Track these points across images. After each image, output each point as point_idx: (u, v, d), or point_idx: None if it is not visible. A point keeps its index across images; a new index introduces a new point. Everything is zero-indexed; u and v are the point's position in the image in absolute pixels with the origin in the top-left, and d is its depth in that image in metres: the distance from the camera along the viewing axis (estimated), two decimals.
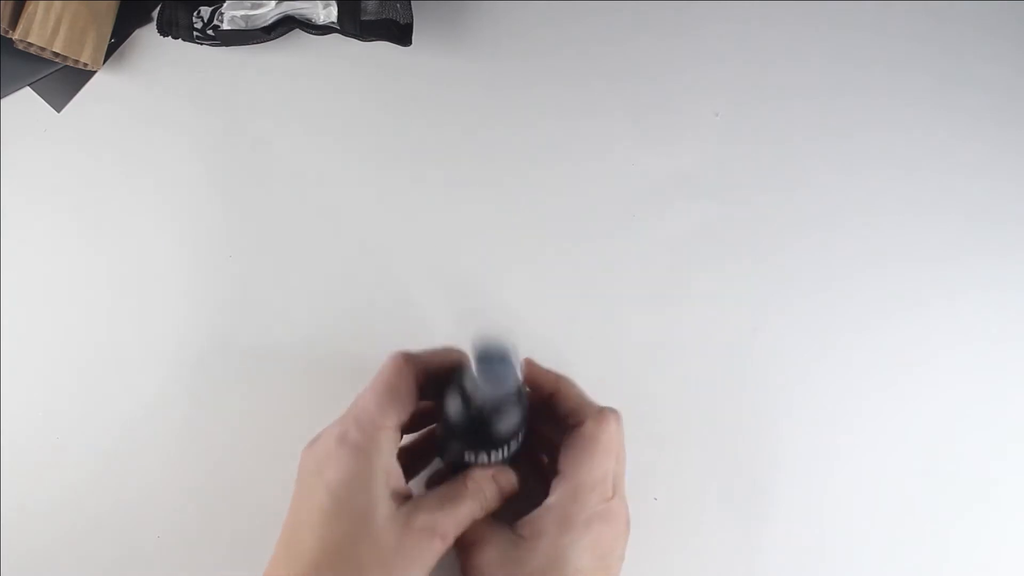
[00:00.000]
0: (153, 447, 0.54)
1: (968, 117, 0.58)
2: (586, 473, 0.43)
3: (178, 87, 0.58)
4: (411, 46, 0.55)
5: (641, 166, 0.58)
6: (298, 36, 0.58)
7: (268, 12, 0.55)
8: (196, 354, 0.55)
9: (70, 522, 0.54)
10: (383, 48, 0.56)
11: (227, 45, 0.56)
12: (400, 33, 0.55)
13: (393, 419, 0.43)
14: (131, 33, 0.58)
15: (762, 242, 0.57)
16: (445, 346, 0.47)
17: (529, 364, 0.47)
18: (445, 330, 0.56)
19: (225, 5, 0.55)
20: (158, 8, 0.57)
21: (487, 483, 0.44)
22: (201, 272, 0.56)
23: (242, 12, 0.55)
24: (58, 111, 0.58)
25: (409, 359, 0.45)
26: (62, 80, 0.58)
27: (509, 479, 0.45)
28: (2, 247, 0.56)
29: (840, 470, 0.55)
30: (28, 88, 0.58)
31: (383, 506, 0.41)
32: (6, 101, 0.57)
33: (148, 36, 0.58)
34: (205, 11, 0.55)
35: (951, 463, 0.56)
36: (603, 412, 0.45)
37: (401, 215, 0.57)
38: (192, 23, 0.55)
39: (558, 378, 0.47)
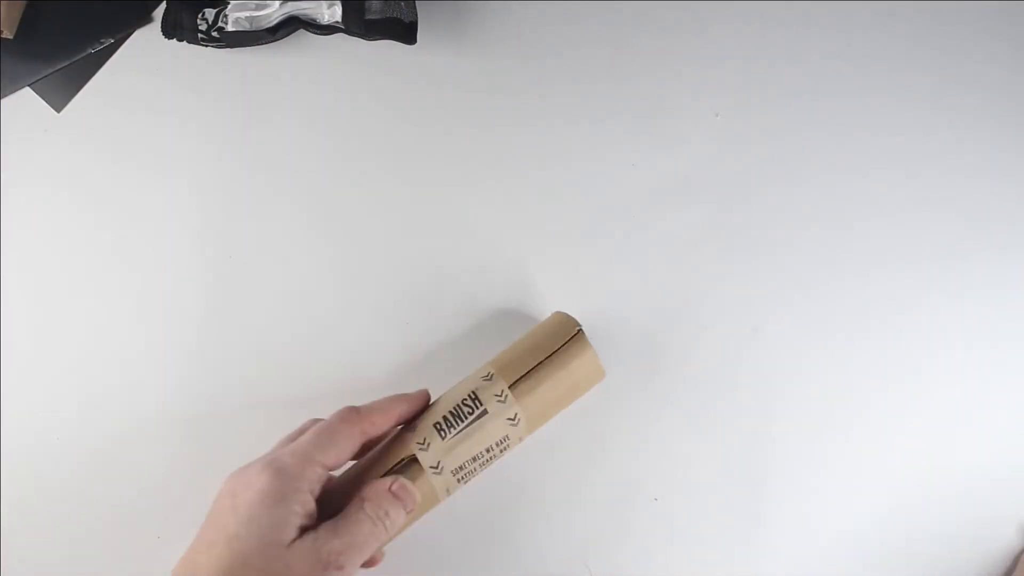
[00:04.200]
0: (153, 447, 0.54)
1: (968, 117, 0.58)
2: None
3: (180, 88, 0.58)
4: (416, 45, 0.55)
5: (641, 166, 0.58)
6: (303, 36, 0.57)
7: (273, 13, 0.55)
8: (197, 353, 0.55)
9: (70, 522, 0.54)
10: (388, 47, 0.56)
11: (232, 47, 0.56)
12: (405, 32, 0.55)
13: (327, 457, 0.44)
14: (131, 33, 0.58)
15: (762, 242, 0.58)
16: (396, 396, 0.48)
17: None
18: (445, 326, 0.56)
19: (229, 7, 0.55)
20: (162, 11, 0.57)
21: (386, 501, 0.44)
22: (202, 272, 0.56)
23: (247, 13, 0.54)
24: (58, 111, 0.57)
25: (354, 411, 0.46)
26: (62, 80, 0.58)
27: (409, 492, 0.45)
28: (2, 247, 0.56)
29: (839, 470, 0.56)
30: (28, 88, 0.57)
31: (286, 532, 0.41)
32: (6, 101, 0.57)
33: (149, 36, 0.58)
34: (209, 13, 0.55)
35: (951, 462, 0.56)
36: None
37: (404, 214, 0.57)
38: (196, 25, 0.55)
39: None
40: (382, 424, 0.47)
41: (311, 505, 0.42)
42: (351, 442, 0.45)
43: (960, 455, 0.56)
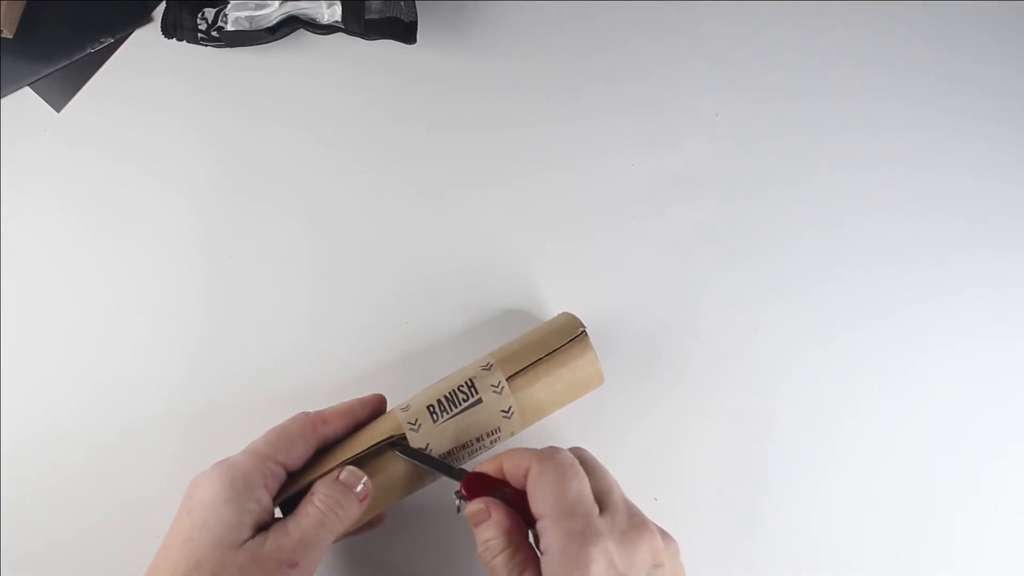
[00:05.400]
0: (153, 447, 0.54)
1: (968, 117, 0.58)
2: (553, 506, 0.41)
3: (180, 88, 0.58)
4: (416, 45, 0.55)
5: (641, 166, 0.58)
6: (302, 36, 0.58)
7: (272, 12, 0.55)
8: (197, 352, 0.55)
9: (70, 522, 0.54)
10: (387, 47, 0.57)
11: (231, 46, 0.56)
12: (404, 32, 0.55)
13: (280, 454, 0.44)
14: (131, 33, 0.58)
15: (762, 242, 0.58)
16: (355, 400, 0.49)
17: (476, 476, 0.45)
18: (445, 325, 0.56)
19: (229, 6, 0.55)
20: (161, 10, 0.56)
21: (335, 491, 0.44)
22: (202, 271, 0.56)
23: (246, 13, 0.54)
24: (58, 111, 0.57)
25: (307, 412, 0.47)
26: (62, 80, 0.58)
27: (358, 478, 0.45)
28: (2, 247, 0.56)
29: (839, 469, 0.56)
30: (28, 88, 0.57)
31: (240, 532, 0.41)
32: (6, 101, 0.57)
33: (149, 36, 0.58)
34: (209, 12, 0.55)
35: (950, 462, 0.56)
36: (542, 450, 0.44)
37: (404, 213, 0.57)
38: (196, 25, 0.55)
39: (501, 459, 0.45)
40: (336, 424, 0.47)
41: (266, 501, 0.43)
42: (305, 439, 0.45)
43: (960, 454, 0.56)
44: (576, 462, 0.43)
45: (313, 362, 0.56)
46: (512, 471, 0.44)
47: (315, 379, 0.55)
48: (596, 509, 0.41)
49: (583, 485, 0.42)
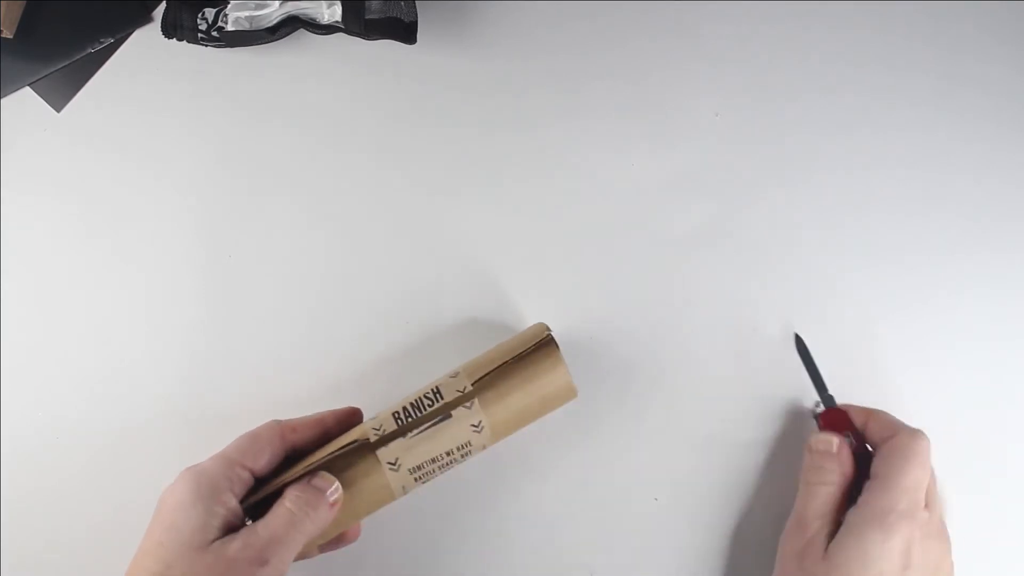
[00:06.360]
0: (153, 447, 0.54)
1: (968, 117, 0.58)
2: (896, 476, 0.46)
3: (180, 88, 0.58)
4: (416, 45, 0.55)
5: (641, 166, 0.58)
6: (302, 36, 0.57)
7: (272, 12, 0.55)
8: (197, 353, 0.55)
9: (70, 522, 0.54)
10: (388, 47, 0.56)
11: (231, 46, 0.56)
12: (405, 32, 0.55)
13: (247, 459, 0.45)
14: (131, 33, 0.58)
15: (762, 242, 0.57)
16: (328, 411, 0.49)
17: (837, 412, 0.53)
18: (446, 326, 0.56)
19: (229, 6, 0.55)
20: (162, 10, 0.56)
21: (307, 492, 0.45)
22: (202, 271, 0.56)
23: (246, 13, 0.54)
24: (58, 111, 0.57)
25: (280, 422, 0.48)
26: (62, 80, 0.58)
27: (329, 481, 0.45)
28: (2, 247, 0.56)
29: None
30: (28, 88, 0.57)
31: (206, 534, 0.42)
32: (6, 101, 0.57)
33: (149, 36, 0.58)
34: (209, 12, 0.55)
35: (950, 462, 0.56)
36: (916, 430, 0.49)
37: (404, 213, 0.57)
38: (196, 25, 0.55)
39: (868, 411, 0.51)
40: (304, 433, 0.48)
41: (233, 504, 0.44)
42: (273, 446, 0.46)
43: (960, 454, 0.56)
44: (930, 456, 0.48)
45: (313, 362, 0.56)
46: (875, 428, 0.50)
47: (315, 379, 0.55)
48: (923, 502, 0.47)
49: (926, 476, 0.47)
